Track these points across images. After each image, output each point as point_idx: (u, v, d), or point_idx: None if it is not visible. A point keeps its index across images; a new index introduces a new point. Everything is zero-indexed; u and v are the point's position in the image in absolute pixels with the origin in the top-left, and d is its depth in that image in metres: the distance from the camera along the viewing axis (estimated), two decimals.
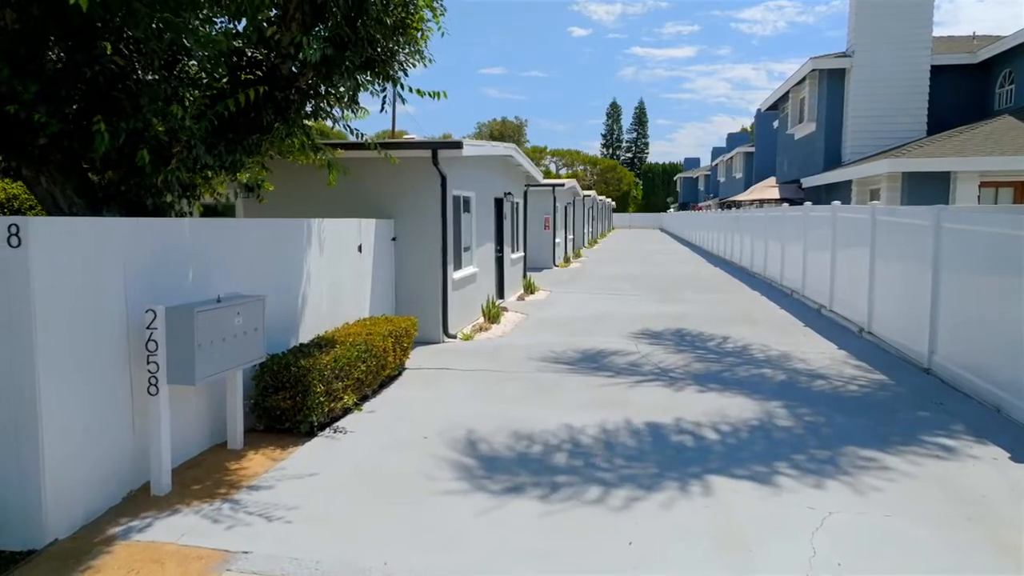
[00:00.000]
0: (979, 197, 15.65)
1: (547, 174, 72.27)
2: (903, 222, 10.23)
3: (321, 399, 6.33)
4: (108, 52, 5.16)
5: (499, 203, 15.38)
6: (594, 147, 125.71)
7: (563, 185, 27.03)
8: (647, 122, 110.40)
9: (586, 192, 40.32)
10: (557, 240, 26.93)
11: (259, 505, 4.94)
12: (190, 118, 5.33)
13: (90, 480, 4.67)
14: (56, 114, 4.88)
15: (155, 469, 5.04)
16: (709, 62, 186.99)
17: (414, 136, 26.04)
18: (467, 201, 12.53)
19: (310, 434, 6.40)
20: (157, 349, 4.96)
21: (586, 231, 41.29)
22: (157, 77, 5.51)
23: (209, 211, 10.35)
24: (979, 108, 21.64)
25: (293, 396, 6.26)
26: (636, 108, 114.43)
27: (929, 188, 16.16)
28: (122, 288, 4.98)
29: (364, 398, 7.58)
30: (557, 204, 26.70)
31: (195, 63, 6.43)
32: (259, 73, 6.85)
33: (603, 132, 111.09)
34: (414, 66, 7.20)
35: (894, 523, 4.73)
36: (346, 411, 7.03)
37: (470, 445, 6.20)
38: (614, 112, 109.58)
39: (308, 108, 7.35)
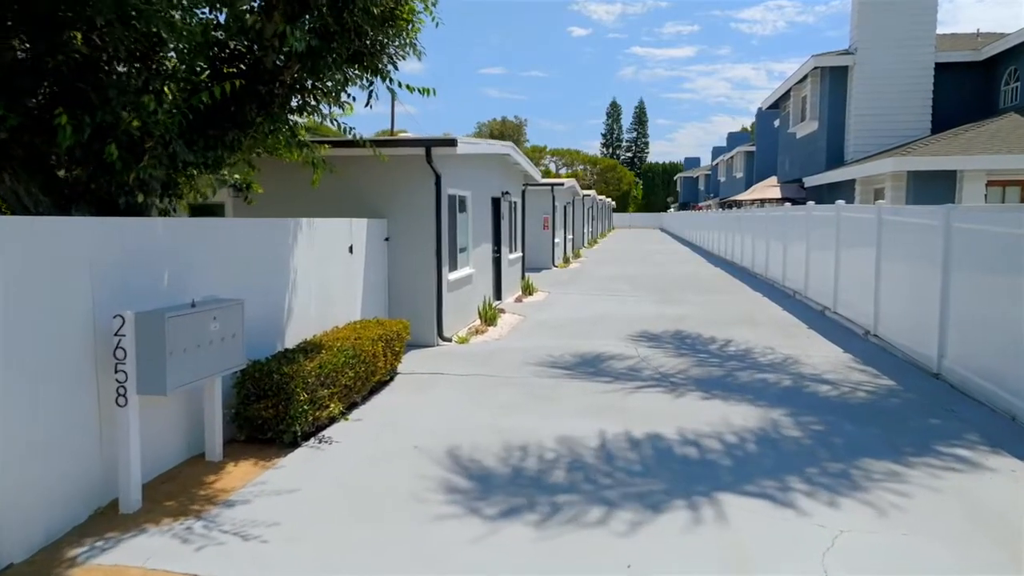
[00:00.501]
0: (986, 196, 15.36)
1: (547, 173, 71.96)
2: (911, 222, 9.93)
3: (305, 408, 6.02)
4: (78, 41, 4.87)
5: (496, 203, 15.08)
6: (594, 147, 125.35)
7: (562, 184, 26.73)
8: (647, 121, 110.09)
9: (586, 192, 40.02)
10: (556, 240, 26.63)
11: (234, 523, 4.64)
12: (163, 112, 5.01)
13: (52, 497, 4.37)
14: (15, 107, 4.57)
15: (123, 485, 4.73)
16: (709, 62, 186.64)
17: (411, 135, 25.68)
18: (463, 200, 12.23)
19: (294, 444, 6.10)
20: (125, 357, 4.66)
21: (586, 231, 40.99)
22: (129, 69, 5.21)
23: (199, 211, 10.05)
24: (984, 106, 21.34)
25: (275, 405, 5.95)
26: (636, 107, 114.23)
27: (935, 187, 15.86)
28: (88, 292, 4.67)
29: (353, 405, 7.28)
30: (556, 204, 26.40)
31: (173, 55, 6.13)
32: (242, 66, 6.56)
33: (603, 132, 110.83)
34: (403, 58, 6.90)
35: (910, 542, 4.43)
36: (332, 420, 6.72)
37: (461, 458, 5.89)
38: (614, 112, 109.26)
39: (294, 103, 7.06)
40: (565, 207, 29.84)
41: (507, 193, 15.86)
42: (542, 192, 25.11)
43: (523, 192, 18.60)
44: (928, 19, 21.00)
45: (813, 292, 15.11)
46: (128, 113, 4.86)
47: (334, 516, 4.79)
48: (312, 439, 6.28)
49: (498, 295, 15.41)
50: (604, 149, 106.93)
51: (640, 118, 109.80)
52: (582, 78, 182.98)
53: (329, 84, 6.89)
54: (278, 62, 6.60)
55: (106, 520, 4.63)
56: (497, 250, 15.30)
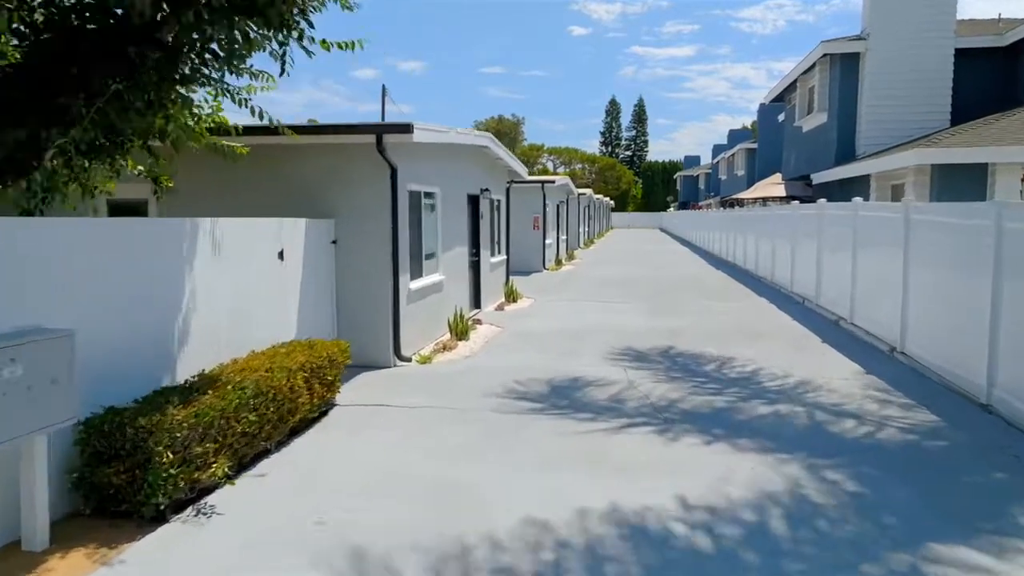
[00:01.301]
0: (1022, 191, 13.82)
1: (544, 172, 70.43)
2: (949, 222, 8.41)
3: (170, 471, 4.49)
4: None
5: (474, 201, 13.55)
6: (593, 146, 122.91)
7: (554, 182, 25.22)
8: (646, 120, 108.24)
9: (581, 190, 38.49)
10: (548, 241, 25.09)
11: None
12: None
13: None
14: None
15: None
16: (709, 61, 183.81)
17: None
18: (430, 198, 10.71)
19: (159, 519, 4.56)
20: None
21: (581, 231, 39.43)
22: None
23: (118, 211, 8.55)
24: (1006, 95, 19.72)
25: (129, 468, 4.43)
26: (635, 106, 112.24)
27: (962, 182, 14.31)
28: None
29: (262, 454, 5.75)
30: (548, 203, 24.86)
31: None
32: (111, 21, 5.09)
33: (602, 130, 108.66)
34: (319, 10, 5.38)
35: None
36: (228, 477, 5.20)
37: (376, 556, 4.36)
38: (613, 110, 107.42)
39: (186, 70, 5.56)
40: (558, 206, 28.29)
41: (487, 190, 14.33)
42: (532, 190, 23.58)
43: (507, 190, 17.07)
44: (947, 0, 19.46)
45: (826, 300, 13.58)
46: None
47: None
48: (188, 508, 4.75)
49: (477, 303, 13.88)
50: (603, 148, 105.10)
51: (639, 116, 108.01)
52: (582, 77, 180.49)
53: (227, 46, 5.38)
54: (158, 18, 5.12)
55: None
56: (476, 253, 13.78)
